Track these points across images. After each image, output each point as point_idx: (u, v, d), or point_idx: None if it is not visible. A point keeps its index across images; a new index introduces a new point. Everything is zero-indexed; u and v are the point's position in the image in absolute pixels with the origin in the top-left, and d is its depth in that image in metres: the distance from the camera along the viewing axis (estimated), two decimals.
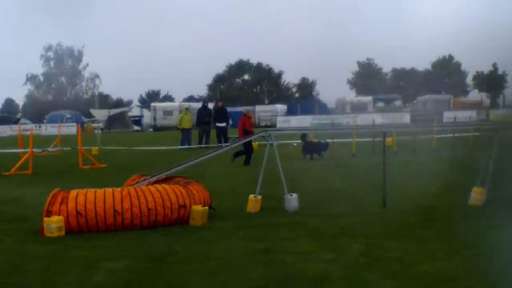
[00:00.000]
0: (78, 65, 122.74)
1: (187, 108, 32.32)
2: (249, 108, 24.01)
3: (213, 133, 30.32)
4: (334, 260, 7.10)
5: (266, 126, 63.42)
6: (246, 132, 20.32)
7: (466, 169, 16.05)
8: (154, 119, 76.31)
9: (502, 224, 8.88)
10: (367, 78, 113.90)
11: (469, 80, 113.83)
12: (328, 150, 22.14)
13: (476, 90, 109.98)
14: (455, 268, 6.58)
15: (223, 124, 29.81)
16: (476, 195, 10.56)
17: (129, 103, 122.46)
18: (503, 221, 9.07)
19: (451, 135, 26.15)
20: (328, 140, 22.54)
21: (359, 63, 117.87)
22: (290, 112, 71.05)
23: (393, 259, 7.04)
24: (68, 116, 79.06)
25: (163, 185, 9.80)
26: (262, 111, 76.20)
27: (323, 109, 71.91)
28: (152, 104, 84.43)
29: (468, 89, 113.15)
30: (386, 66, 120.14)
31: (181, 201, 9.37)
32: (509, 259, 6.87)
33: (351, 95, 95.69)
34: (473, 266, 6.64)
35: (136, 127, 77.57)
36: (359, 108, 74.68)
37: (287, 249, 7.69)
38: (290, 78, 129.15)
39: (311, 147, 22.15)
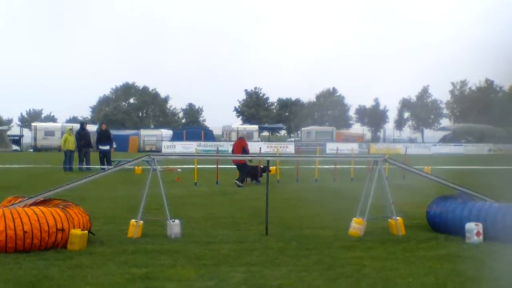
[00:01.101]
0: None
1: (71, 129, 31.41)
2: (244, 132, 24.69)
3: (96, 155, 29.73)
4: None
5: (151, 151, 62.75)
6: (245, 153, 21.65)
7: (347, 200, 16.42)
8: (35, 139, 73.77)
9: (380, 255, 9.11)
10: (254, 106, 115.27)
11: (351, 113, 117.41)
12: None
13: (359, 124, 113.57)
14: None
15: (107, 147, 29.34)
16: (356, 225, 10.81)
17: (8, 121, 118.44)
18: (381, 252, 9.31)
19: (333, 166, 26.72)
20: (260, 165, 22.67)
21: (246, 92, 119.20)
22: (176, 137, 70.60)
23: (273, 287, 7.06)
24: None
25: (41, 207, 9.43)
26: (147, 135, 75.32)
27: (209, 135, 71.96)
28: (33, 123, 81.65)
29: (351, 122, 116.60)
30: (273, 96, 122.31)
31: (59, 224, 9.04)
32: None
33: (237, 123, 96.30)
34: None
35: (15, 147, 74.83)
36: None
37: (167, 276, 7.57)
38: (177, 103, 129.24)
39: (254, 171, 22.49)
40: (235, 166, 22.35)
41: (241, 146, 22.21)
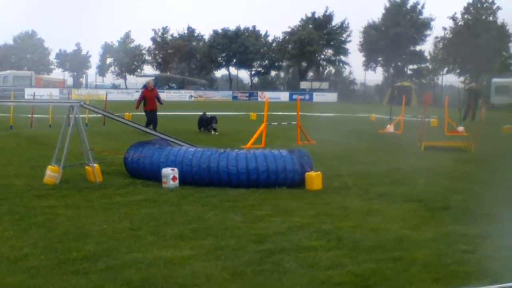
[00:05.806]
0: None
1: None
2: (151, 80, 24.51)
3: None
4: None
5: None
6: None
7: (44, 147, 15.96)
8: None
9: (76, 203, 8.92)
10: None
11: (52, 57, 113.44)
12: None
13: (60, 69, 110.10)
14: (23, 247, 6.41)
15: None
16: (51, 173, 10.47)
17: None
18: (76, 200, 9.13)
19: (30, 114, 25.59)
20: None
21: None
22: None
23: None
24: None
25: None
26: None
27: None
28: None
29: (52, 67, 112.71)
30: None
31: None
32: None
33: None
34: (43, 244, 6.52)
35: None
36: None
37: None
38: None
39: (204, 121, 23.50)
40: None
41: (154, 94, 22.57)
